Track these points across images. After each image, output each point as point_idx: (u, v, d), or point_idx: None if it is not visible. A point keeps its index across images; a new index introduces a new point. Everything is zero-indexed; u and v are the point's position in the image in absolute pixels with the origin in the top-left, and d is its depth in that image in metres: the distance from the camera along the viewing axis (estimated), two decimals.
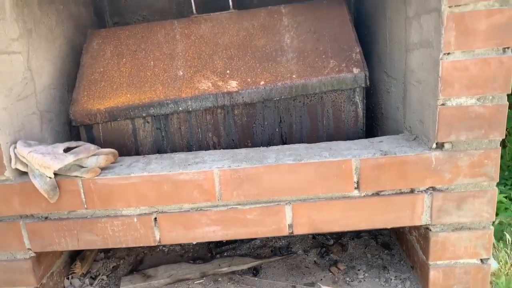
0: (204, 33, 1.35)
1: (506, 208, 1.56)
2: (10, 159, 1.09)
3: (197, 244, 1.47)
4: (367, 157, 1.05)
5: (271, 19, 1.35)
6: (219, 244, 1.44)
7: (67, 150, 1.11)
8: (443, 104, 1.00)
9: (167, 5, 1.81)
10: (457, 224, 1.08)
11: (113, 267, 1.39)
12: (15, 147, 1.10)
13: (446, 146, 1.04)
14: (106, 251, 1.48)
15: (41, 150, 1.07)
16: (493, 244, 1.37)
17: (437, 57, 0.98)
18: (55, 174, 1.07)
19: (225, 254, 1.39)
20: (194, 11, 1.41)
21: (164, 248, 1.47)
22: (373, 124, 1.56)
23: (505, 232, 1.43)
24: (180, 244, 1.49)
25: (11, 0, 1.14)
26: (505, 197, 1.61)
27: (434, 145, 1.04)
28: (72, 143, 1.15)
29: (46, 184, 1.07)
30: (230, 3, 1.40)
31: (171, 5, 1.81)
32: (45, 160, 1.05)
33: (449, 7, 0.94)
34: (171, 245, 1.48)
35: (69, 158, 1.07)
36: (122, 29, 1.41)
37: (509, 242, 1.39)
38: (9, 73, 1.12)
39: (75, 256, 1.39)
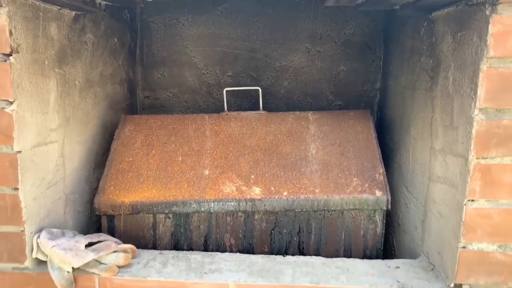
0: (233, 132, 1.40)
1: None
2: (32, 248, 1.11)
3: None
4: None
5: (298, 125, 1.40)
6: None
7: (88, 244, 1.13)
8: (464, 247, 1.01)
9: (198, 86, 1.88)
10: None
11: None
12: (38, 237, 1.12)
13: (464, 287, 1.04)
14: None
15: (63, 245, 1.09)
16: None
17: (461, 201, 1.00)
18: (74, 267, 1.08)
19: None
20: (226, 109, 1.46)
21: None
22: (388, 230, 1.57)
23: None
24: None
25: (56, 92, 1.21)
26: None
27: (452, 285, 1.04)
28: (94, 237, 1.16)
29: (63, 279, 1.08)
30: (261, 105, 1.46)
31: (201, 87, 1.88)
32: (67, 257, 1.06)
33: (477, 158, 0.97)
34: None
35: (90, 256, 1.09)
36: (155, 118, 1.46)
37: None
38: (43, 163, 1.15)
39: None
